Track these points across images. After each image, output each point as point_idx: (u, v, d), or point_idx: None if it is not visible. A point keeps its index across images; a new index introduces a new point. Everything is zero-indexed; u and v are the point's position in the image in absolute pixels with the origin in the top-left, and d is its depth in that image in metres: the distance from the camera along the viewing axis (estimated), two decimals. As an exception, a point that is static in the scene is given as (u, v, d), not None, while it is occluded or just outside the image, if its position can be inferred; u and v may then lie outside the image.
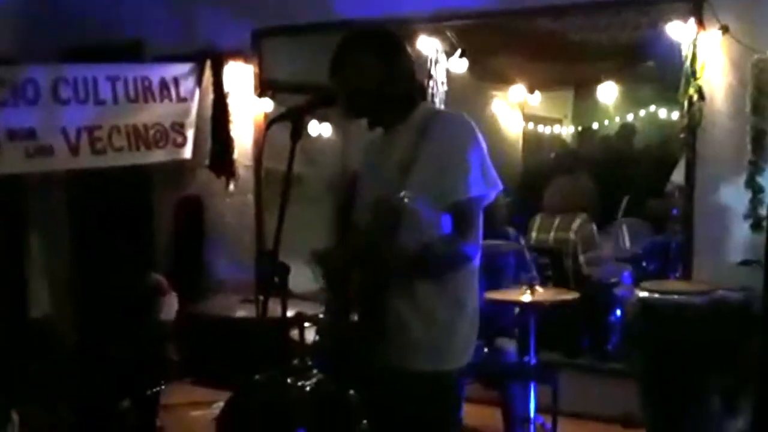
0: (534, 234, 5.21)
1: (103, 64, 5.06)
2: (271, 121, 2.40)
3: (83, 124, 4.90)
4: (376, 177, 2.55)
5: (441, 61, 4.89)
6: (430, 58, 4.86)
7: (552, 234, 5.14)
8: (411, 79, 2.55)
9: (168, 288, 4.76)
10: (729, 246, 4.13)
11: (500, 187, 2.48)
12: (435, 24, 4.67)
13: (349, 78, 2.48)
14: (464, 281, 2.50)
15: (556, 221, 5.16)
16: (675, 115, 6.14)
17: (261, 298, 2.46)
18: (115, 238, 5.46)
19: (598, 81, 5.83)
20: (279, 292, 2.43)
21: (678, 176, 4.40)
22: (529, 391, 3.75)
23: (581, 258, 5.02)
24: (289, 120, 2.37)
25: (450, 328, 2.46)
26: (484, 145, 2.46)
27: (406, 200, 2.40)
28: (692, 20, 4.10)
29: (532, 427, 3.80)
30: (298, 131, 2.38)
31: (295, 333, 2.90)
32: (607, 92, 5.92)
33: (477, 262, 2.53)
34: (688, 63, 4.11)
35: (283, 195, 2.35)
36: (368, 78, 2.46)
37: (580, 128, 7.15)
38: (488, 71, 5.53)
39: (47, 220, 5.74)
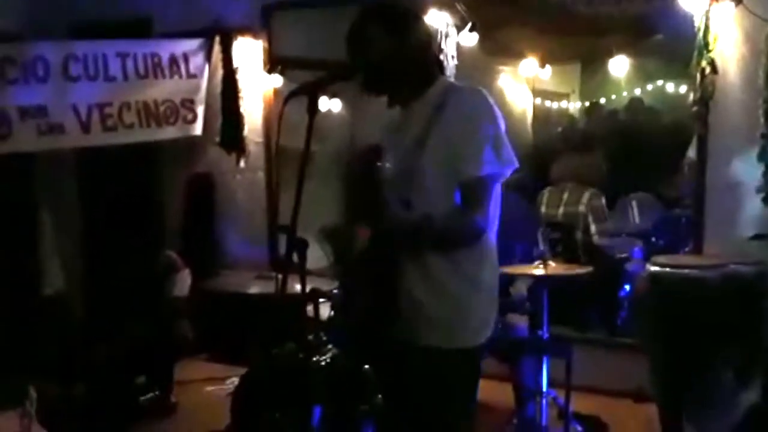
0: (543, 208, 5.22)
1: (112, 40, 5.04)
2: (288, 96, 2.37)
3: (94, 101, 4.90)
4: (395, 152, 2.55)
5: (451, 35, 4.87)
6: (440, 31, 4.84)
7: (561, 208, 5.15)
8: (428, 53, 2.54)
9: (181, 264, 4.78)
10: (741, 220, 4.12)
11: (516, 164, 2.46)
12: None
13: (365, 53, 2.48)
14: (479, 258, 2.48)
15: (566, 195, 5.17)
16: (683, 89, 6.15)
17: (278, 273, 2.46)
18: (126, 215, 5.48)
19: (607, 55, 5.79)
20: (298, 267, 2.43)
21: (693, 152, 4.38)
22: (542, 366, 3.77)
23: (593, 228, 5.03)
24: (305, 94, 2.36)
25: (466, 305, 2.46)
26: (501, 121, 2.44)
27: (386, 167, 2.45)
28: (705, -9, 4.07)
29: (544, 401, 3.83)
30: (315, 106, 2.38)
31: (310, 309, 2.92)
32: (616, 66, 5.89)
33: (494, 238, 2.52)
34: (700, 35, 4.08)
35: (300, 170, 2.34)
36: (384, 53, 2.45)
37: (587, 103, 7.14)
38: (498, 45, 5.49)
39: (58, 197, 5.74)
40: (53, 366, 4.27)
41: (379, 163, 2.58)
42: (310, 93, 2.35)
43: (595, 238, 5.05)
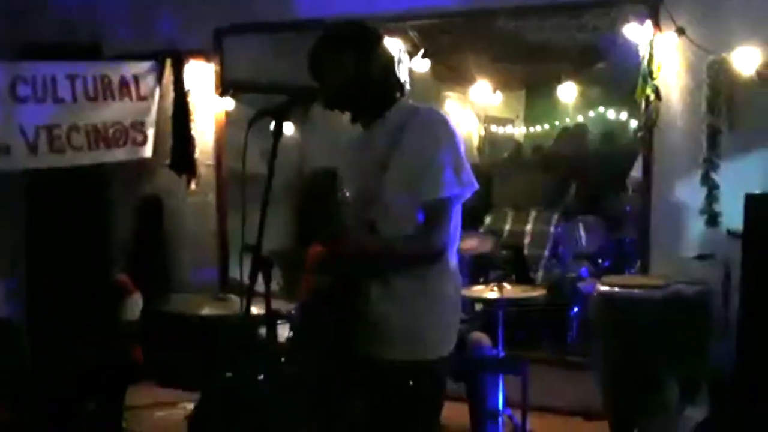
0: (508, 227, 5.30)
1: (62, 62, 4.99)
2: (253, 118, 2.40)
3: (42, 122, 4.83)
4: (357, 173, 2.60)
5: (404, 61, 4.92)
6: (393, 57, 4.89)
7: (507, 227, 5.25)
8: (389, 74, 2.57)
9: (132, 288, 4.72)
10: (685, 241, 4.25)
11: (476, 186, 2.51)
12: (398, 24, 4.70)
13: (327, 74, 2.52)
14: (441, 274, 2.53)
15: (510, 215, 5.28)
16: (624, 116, 6.36)
17: (244, 294, 2.45)
18: (76, 237, 5.39)
19: (553, 81, 5.96)
20: (265, 287, 2.44)
21: (637, 172, 4.52)
22: (498, 384, 3.82)
23: (546, 251, 5.14)
24: (271, 117, 2.40)
25: (428, 317, 2.50)
26: (461, 143, 2.49)
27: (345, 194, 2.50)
28: (649, 22, 4.21)
29: (500, 420, 3.87)
30: (281, 128, 2.41)
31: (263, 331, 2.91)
32: (561, 93, 6.06)
33: (455, 256, 2.57)
34: (645, 64, 4.22)
35: (265, 191, 2.37)
36: (346, 74, 2.50)
37: (531, 128, 7.31)
38: (448, 71, 5.60)
39: (4, 219, 5.62)
40: (2, 391, 4.17)
41: (340, 191, 2.62)
42: (276, 115, 2.39)
43: (553, 259, 5.16)
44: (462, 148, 2.49)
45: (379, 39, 2.58)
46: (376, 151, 2.51)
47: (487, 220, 5.57)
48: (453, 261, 2.57)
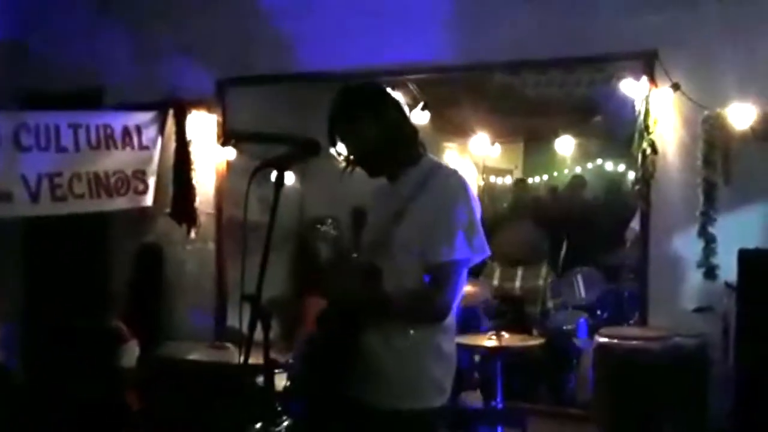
0: (497, 282, 5.31)
1: (65, 111, 5.04)
2: (257, 168, 2.43)
3: (44, 171, 4.84)
4: (375, 222, 2.64)
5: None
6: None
7: (518, 283, 5.26)
8: (411, 133, 2.63)
9: (128, 335, 4.72)
10: (683, 293, 4.26)
11: (488, 252, 2.54)
12: (398, 77, 4.77)
13: (348, 135, 2.58)
14: (440, 328, 2.55)
15: (520, 271, 5.28)
16: (622, 168, 6.40)
17: (241, 343, 2.46)
18: (74, 285, 5.39)
19: (550, 134, 6.02)
20: (264, 337, 2.45)
21: (636, 224, 4.55)
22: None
23: (550, 303, 5.15)
24: (274, 167, 2.43)
25: (423, 366, 2.51)
26: (477, 207, 2.52)
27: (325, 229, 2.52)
28: (645, 78, 4.27)
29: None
30: (283, 178, 2.44)
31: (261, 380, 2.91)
32: (559, 145, 6.12)
33: (455, 312, 2.58)
34: (641, 118, 4.27)
35: (266, 240, 2.40)
36: (368, 135, 2.56)
37: (530, 179, 7.35)
38: (447, 123, 5.66)
39: (3, 262, 5.63)
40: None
41: (353, 255, 2.64)
42: (278, 166, 2.42)
43: (552, 311, 5.16)
44: (478, 212, 2.52)
45: (393, 100, 2.63)
46: (396, 203, 2.55)
47: (492, 273, 5.55)
48: (452, 316, 2.58)
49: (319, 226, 2.64)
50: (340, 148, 2.61)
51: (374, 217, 2.67)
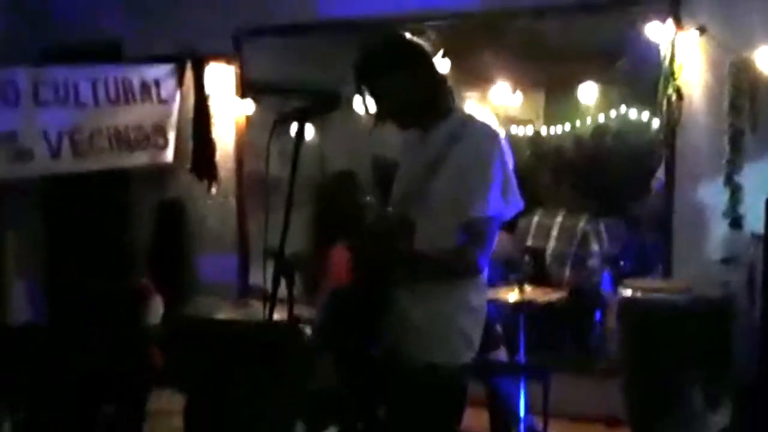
0: (537, 219, 5.24)
1: (83, 65, 5.01)
2: (277, 121, 2.40)
3: (64, 127, 4.85)
4: (406, 173, 2.61)
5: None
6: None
7: (558, 219, 5.18)
8: (440, 85, 2.57)
9: (153, 291, 4.74)
10: (708, 244, 4.21)
11: (521, 205, 2.52)
12: (417, 24, 4.68)
13: (379, 90, 2.53)
14: (471, 282, 2.53)
15: (559, 219, 5.20)
16: (646, 116, 6.30)
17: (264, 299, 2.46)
18: (96, 241, 5.42)
19: (573, 82, 5.91)
20: (287, 292, 2.44)
21: (661, 173, 4.47)
22: (520, 390, 3.79)
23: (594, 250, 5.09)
24: (295, 120, 2.39)
25: (452, 320, 2.50)
26: (510, 160, 2.48)
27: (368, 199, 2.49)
28: (670, 21, 4.17)
29: (522, 427, 3.84)
30: (303, 131, 2.41)
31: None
32: (581, 93, 6.01)
33: (486, 265, 2.57)
34: (666, 63, 4.19)
35: (288, 194, 2.37)
36: (399, 89, 2.50)
37: (551, 129, 7.26)
38: (467, 72, 5.56)
39: (24, 223, 5.66)
40: (23, 393, 4.19)
41: (368, 198, 2.63)
42: (298, 119, 2.39)
43: (591, 262, 5.09)
44: (511, 165, 2.49)
45: (426, 52, 2.57)
46: (428, 155, 2.51)
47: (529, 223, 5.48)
48: (484, 272, 2.56)
49: (368, 198, 2.61)
50: (369, 103, 2.56)
51: (404, 169, 2.65)
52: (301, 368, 2.83)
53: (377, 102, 2.54)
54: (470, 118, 2.58)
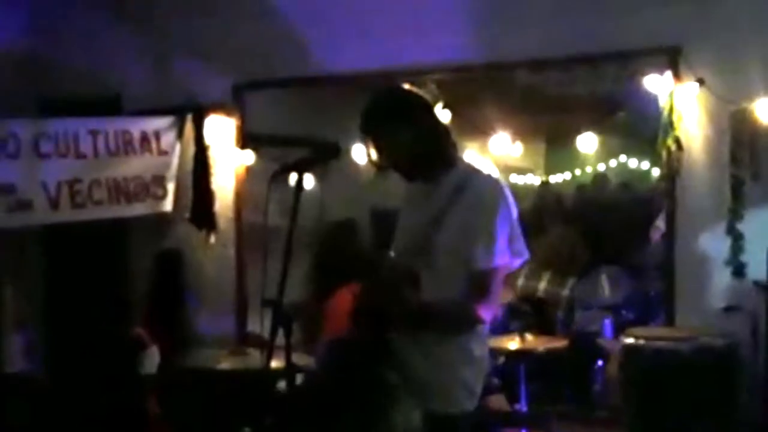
0: (522, 281, 5.23)
1: (84, 118, 5.03)
2: (276, 172, 2.41)
3: (64, 177, 4.83)
4: (410, 226, 2.62)
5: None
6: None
7: (543, 284, 5.18)
8: (444, 136, 2.61)
9: (149, 341, 4.71)
10: (711, 292, 4.19)
11: (526, 256, 2.54)
12: (418, 77, 4.72)
13: (383, 141, 2.57)
14: (474, 333, 2.54)
15: (548, 274, 5.20)
16: (645, 165, 6.33)
17: (263, 347, 2.44)
18: (94, 291, 5.39)
19: (573, 131, 5.95)
20: (285, 341, 2.42)
21: (661, 222, 4.48)
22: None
23: (577, 313, 5.08)
24: (294, 171, 2.40)
25: (455, 370, 2.50)
26: (514, 211, 2.51)
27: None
28: (669, 73, 4.21)
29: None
30: (302, 182, 2.41)
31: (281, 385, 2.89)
32: (581, 143, 6.04)
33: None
34: (665, 114, 4.21)
35: (287, 244, 2.37)
36: (403, 140, 2.54)
37: (552, 178, 7.29)
38: (467, 123, 5.61)
39: (23, 271, 5.64)
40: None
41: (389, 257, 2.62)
42: (298, 169, 2.39)
43: (577, 317, 5.09)
44: (515, 216, 2.51)
45: (428, 105, 2.62)
46: (432, 207, 2.53)
47: (519, 272, 5.48)
48: (487, 322, 2.56)
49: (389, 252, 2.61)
50: (373, 154, 2.58)
51: (408, 220, 2.67)
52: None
53: (381, 152, 2.57)
54: (474, 169, 2.60)
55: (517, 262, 2.53)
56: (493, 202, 2.46)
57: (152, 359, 4.67)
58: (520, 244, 2.51)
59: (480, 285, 2.45)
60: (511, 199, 2.50)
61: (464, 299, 2.46)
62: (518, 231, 2.50)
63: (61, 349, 5.32)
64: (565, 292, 5.17)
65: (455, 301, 2.47)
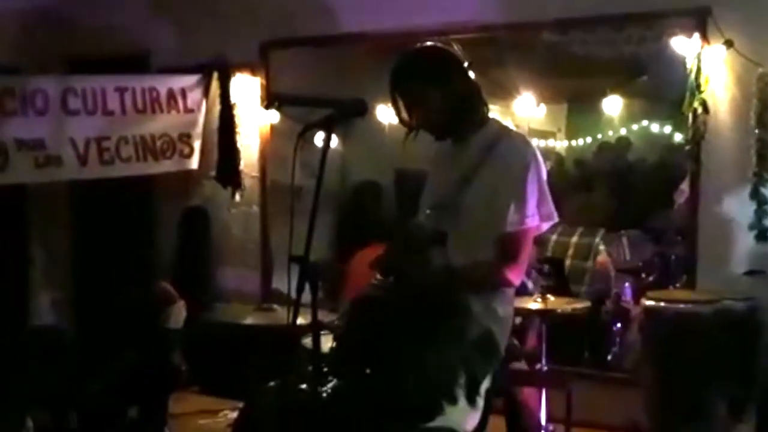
0: (555, 237, 5.24)
1: (111, 75, 5.08)
2: (304, 129, 2.40)
3: (91, 134, 4.92)
4: (439, 184, 2.62)
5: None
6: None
7: (575, 239, 5.20)
8: (475, 95, 2.57)
9: (176, 296, 4.77)
10: (733, 256, 4.19)
11: (555, 219, 2.52)
12: (442, 37, 4.70)
13: (415, 100, 2.54)
14: (503, 294, 2.55)
15: (580, 229, 5.22)
16: (668, 129, 6.30)
17: (291, 303, 2.47)
18: (121, 247, 5.48)
19: (596, 95, 5.93)
20: (312, 298, 2.45)
21: (685, 185, 4.47)
22: (540, 399, 3.79)
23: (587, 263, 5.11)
24: (321, 128, 2.41)
25: None
26: (544, 173, 2.48)
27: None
28: (696, 35, 4.17)
29: (542, 435, 3.83)
30: (329, 139, 2.43)
31: (308, 341, 2.92)
32: (605, 106, 6.03)
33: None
34: (692, 77, 4.17)
35: (314, 201, 2.39)
36: (435, 99, 2.51)
37: (573, 141, 7.27)
38: (491, 84, 5.60)
39: (51, 228, 5.74)
40: (47, 396, 4.24)
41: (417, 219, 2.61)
42: (326, 127, 2.41)
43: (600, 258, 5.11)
44: (545, 178, 2.48)
45: (460, 63, 2.57)
46: (462, 166, 2.52)
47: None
48: (515, 285, 2.57)
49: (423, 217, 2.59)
50: (403, 113, 2.56)
51: (437, 180, 2.65)
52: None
53: (412, 111, 2.54)
54: (505, 129, 2.58)
55: (546, 225, 2.51)
56: (523, 163, 2.43)
57: (179, 314, 4.73)
58: (549, 206, 2.48)
59: (509, 247, 2.43)
60: (541, 160, 2.48)
61: (493, 261, 2.44)
62: (548, 194, 2.47)
63: (88, 305, 5.42)
64: (597, 240, 5.17)
65: (482, 263, 2.46)
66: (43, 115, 4.78)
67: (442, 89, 2.51)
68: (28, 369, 4.46)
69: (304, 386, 2.71)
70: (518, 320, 4.35)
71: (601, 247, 5.19)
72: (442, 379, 2.38)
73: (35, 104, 4.75)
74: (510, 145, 2.49)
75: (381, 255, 2.54)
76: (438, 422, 2.34)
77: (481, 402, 2.45)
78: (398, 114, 2.57)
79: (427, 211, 2.61)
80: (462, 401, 2.38)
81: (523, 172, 2.42)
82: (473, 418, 2.48)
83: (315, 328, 2.62)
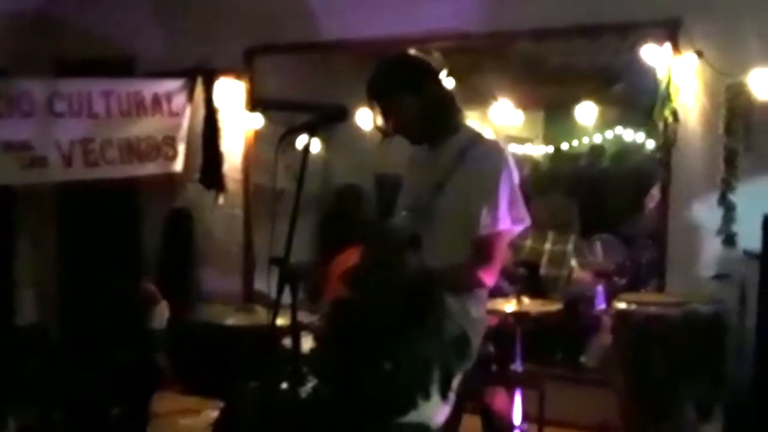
0: (529, 242, 5.35)
1: (97, 78, 5.14)
2: (285, 134, 2.47)
3: (77, 136, 4.99)
4: (414, 188, 2.68)
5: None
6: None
7: (548, 245, 5.31)
8: (448, 102, 2.65)
9: (159, 297, 4.84)
10: (701, 261, 4.30)
11: (527, 222, 2.57)
12: (422, 45, 4.79)
13: (390, 107, 2.61)
14: (476, 295, 2.62)
15: (552, 235, 5.33)
16: (641, 136, 6.43)
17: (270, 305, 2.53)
18: (106, 247, 5.52)
19: (572, 102, 6.04)
20: (291, 299, 2.52)
21: (656, 191, 4.58)
22: (512, 400, 3.87)
23: (573, 263, 5.22)
24: (304, 133, 2.48)
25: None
26: (516, 177, 2.55)
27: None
28: (668, 45, 4.28)
29: (516, 435, 3.91)
30: (309, 144, 2.50)
31: (287, 341, 2.97)
32: (580, 113, 6.14)
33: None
34: (663, 86, 4.28)
35: (295, 204, 2.46)
36: (410, 106, 2.59)
37: (550, 148, 7.39)
38: (469, 91, 5.70)
39: (37, 229, 5.78)
40: (32, 394, 4.29)
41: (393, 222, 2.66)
42: (308, 131, 2.49)
43: (576, 274, 5.23)
44: (517, 182, 2.55)
45: (433, 71, 2.64)
46: (436, 172, 2.58)
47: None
48: (489, 286, 2.63)
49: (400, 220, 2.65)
50: (379, 119, 2.64)
51: (412, 184, 2.72)
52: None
53: (387, 118, 2.61)
54: (478, 135, 2.64)
55: (518, 228, 2.56)
56: (495, 168, 2.49)
57: (162, 314, 4.80)
58: (521, 210, 2.54)
59: (483, 250, 2.49)
60: (513, 165, 2.54)
61: (466, 263, 2.51)
62: (519, 197, 2.54)
63: (74, 304, 5.47)
64: (569, 246, 5.28)
65: (456, 266, 2.52)
66: (29, 117, 4.84)
67: (416, 97, 2.58)
68: (13, 367, 4.51)
69: (284, 386, 2.80)
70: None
71: (573, 261, 5.30)
72: (418, 377, 2.48)
73: (22, 106, 4.81)
74: (482, 151, 2.55)
75: (349, 269, 2.60)
76: (411, 417, 2.43)
77: (452, 396, 2.56)
78: (375, 120, 2.66)
79: (403, 213, 2.67)
80: (435, 396, 2.48)
81: (495, 176, 2.49)
82: (443, 412, 2.57)
83: (294, 329, 2.69)
